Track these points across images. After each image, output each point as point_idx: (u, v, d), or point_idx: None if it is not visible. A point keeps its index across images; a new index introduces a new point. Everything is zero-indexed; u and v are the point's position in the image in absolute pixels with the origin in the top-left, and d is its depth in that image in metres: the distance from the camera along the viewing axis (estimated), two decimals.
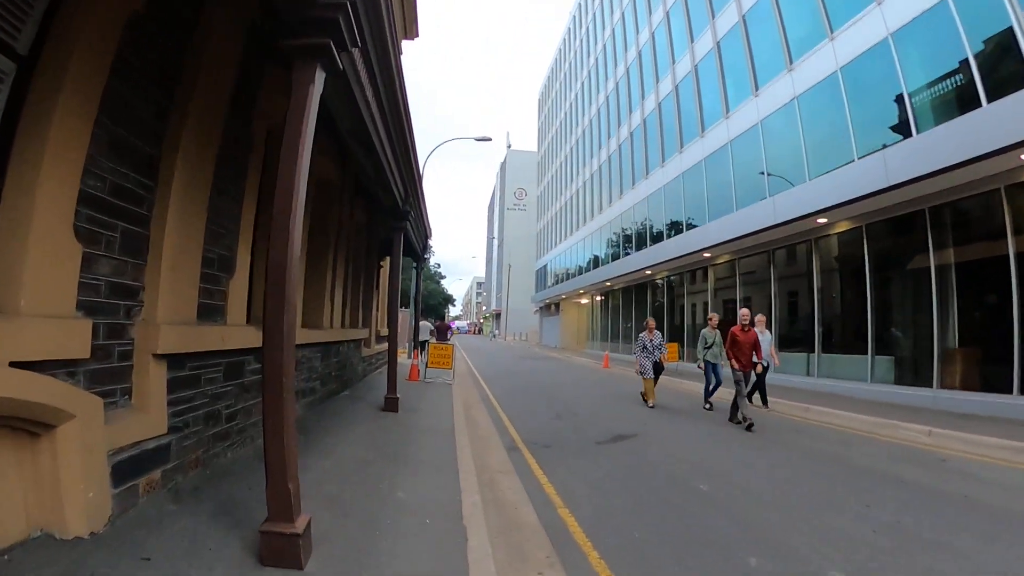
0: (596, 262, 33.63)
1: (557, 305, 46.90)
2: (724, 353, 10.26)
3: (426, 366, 13.47)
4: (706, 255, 19.74)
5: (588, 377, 18.51)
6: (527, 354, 33.53)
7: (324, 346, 9.12)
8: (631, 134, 28.60)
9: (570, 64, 44.37)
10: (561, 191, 45.29)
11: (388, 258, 16.14)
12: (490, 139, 24.20)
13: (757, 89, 17.81)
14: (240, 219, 5.40)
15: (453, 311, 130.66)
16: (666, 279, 24.38)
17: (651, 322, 11.62)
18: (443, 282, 69.45)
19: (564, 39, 47.32)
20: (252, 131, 5.50)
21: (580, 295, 39.46)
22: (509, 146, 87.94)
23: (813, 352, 15.19)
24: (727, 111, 19.51)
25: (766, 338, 10.74)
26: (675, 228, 22.30)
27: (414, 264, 14.78)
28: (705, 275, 21.10)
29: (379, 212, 12.56)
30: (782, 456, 6.93)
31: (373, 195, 9.31)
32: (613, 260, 29.53)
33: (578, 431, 8.47)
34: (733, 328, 9.49)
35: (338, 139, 7.74)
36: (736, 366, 9.23)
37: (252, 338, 5.54)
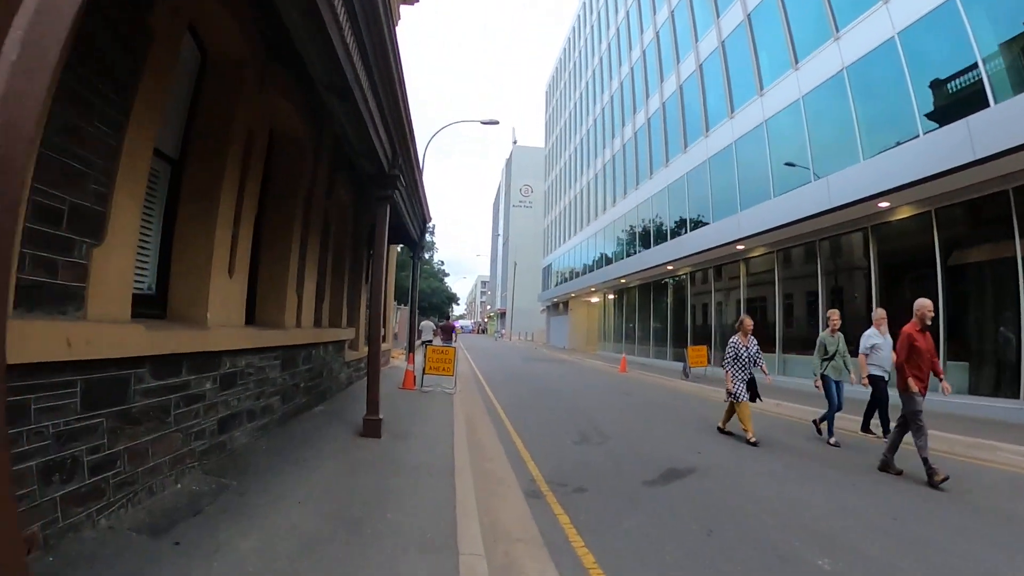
0: (608, 258, 31.61)
1: (565, 304, 44.87)
2: (848, 364, 8.22)
3: (423, 372, 11.51)
4: (739, 247, 17.69)
5: (607, 383, 16.51)
6: (535, 355, 31.54)
7: (286, 351, 7.17)
8: (648, 120, 26.55)
9: (580, 52, 42.34)
10: (570, 185, 43.27)
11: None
12: (497, 122, 22.24)
13: (797, 62, 15.78)
14: (118, 154, 3.46)
15: (457, 310, 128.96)
16: (689, 275, 22.32)
17: (748, 322, 8.31)
18: (447, 280, 67.60)
19: (573, 27, 45.28)
20: None
21: (591, 293, 37.44)
22: (515, 142, 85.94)
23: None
24: (760, 88, 17.47)
25: (887, 342, 8.22)
26: (700, 220, 20.27)
27: (411, 255, 12.79)
28: (736, 270, 19.05)
29: (366, 191, 10.63)
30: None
31: (356, 164, 7.34)
32: (628, 255, 27.50)
33: (615, 462, 6.50)
34: (907, 328, 6.21)
35: (308, 86, 5.85)
36: (915, 387, 6.00)
37: (141, 341, 3.61)
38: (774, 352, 16.48)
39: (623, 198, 29.50)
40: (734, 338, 8.34)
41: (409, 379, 11.66)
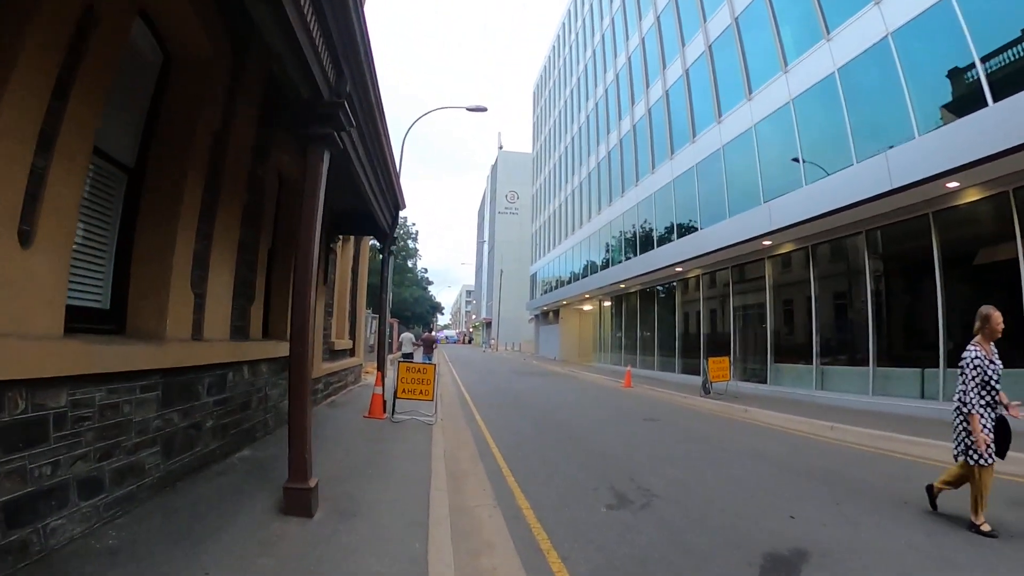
0: (603, 263, 29.28)
1: (556, 312, 42.42)
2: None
3: (395, 396, 8.98)
4: (765, 243, 15.43)
5: (617, 404, 14.07)
6: (526, 368, 29.01)
7: (170, 376, 4.68)
8: (648, 111, 24.38)
9: (570, 48, 40.29)
10: (560, 187, 41.02)
11: (343, 239, 11.66)
12: (485, 109, 19.92)
13: (828, 33, 13.66)
14: None
15: (442, 320, 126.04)
16: (701, 277, 20.02)
17: (996, 317, 4.70)
18: (432, 290, 64.94)
19: (563, 22, 43.28)
20: None
21: (584, 300, 35.07)
22: (501, 147, 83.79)
23: (936, 367, 10.89)
24: (785, 65, 15.33)
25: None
26: (715, 215, 17.99)
27: (379, 247, 10.27)
28: (758, 270, 16.77)
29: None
30: None
31: (291, 100, 4.87)
32: (628, 258, 25.16)
33: (682, 546, 4.06)
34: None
35: None
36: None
37: None
38: (810, 363, 14.19)
39: (620, 197, 27.25)
40: (973, 348, 4.71)
41: (376, 405, 9.12)
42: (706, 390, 15.23)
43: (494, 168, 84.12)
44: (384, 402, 9.25)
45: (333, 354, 11.26)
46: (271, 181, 7.30)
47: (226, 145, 5.58)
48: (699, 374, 18.97)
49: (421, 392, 9.03)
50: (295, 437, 4.32)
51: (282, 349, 7.45)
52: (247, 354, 6.40)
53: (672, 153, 21.76)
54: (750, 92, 16.92)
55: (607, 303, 31.11)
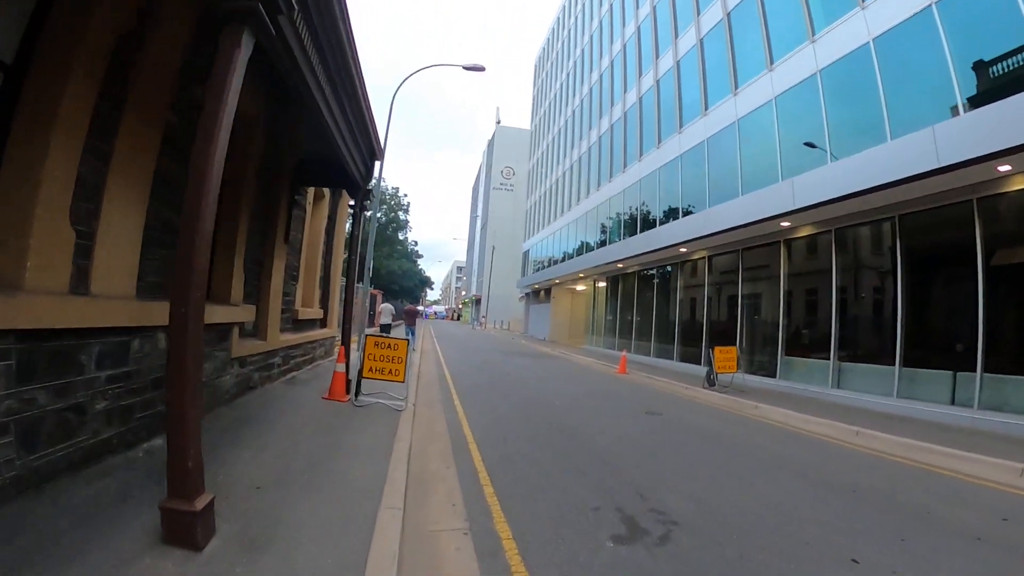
0: (599, 242, 27.93)
1: (547, 291, 41.15)
2: None
3: (359, 375, 7.69)
4: (783, 224, 14.15)
5: (614, 392, 12.89)
6: (515, 348, 27.81)
7: (32, 340, 3.42)
8: (657, 83, 22.85)
9: (576, 18, 38.36)
10: (558, 161, 39.43)
11: (314, 196, 10.21)
12: (483, 68, 18.28)
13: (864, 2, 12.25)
14: None
15: (431, 295, 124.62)
16: (707, 259, 18.73)
17: None
18: (422, 264, 63.43)
19: None
20: None
21: (577, 280, 33.79)
22: (499, 122, 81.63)
23: (972, 371, 9.76)
24: (812, 34, 13.91)
25: None
26: (726, 193, 16.65)
27: (351, 203, 8.80)
28: (773, 254, 15.52)
29: (289, 102, 6.83)
30: None
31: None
32: (628, 236, 23.81)
33: None
34: None
35: None
36: None
37: None
38: (827, 359, 13.07)
39: (622, 172, 25.81)
40: None
41: (338, 384, 7.83)
42: (710, 381, 14.09)
43: (491, 143, 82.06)
44: (348, 381, 7.96)
45: (297, 324, 9.93)
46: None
47: (138, 50, 4.20)
48: (699, 363, 17.87)
49: (391, 372, 7.74)
50: (175, 436, 3.02)
51: (219, 314, 6.11)
52: (163, 318, 5.07)
53: (681, 127, 20.31)
54: (771, 62, 15.50)
55: (602, 284, 29.87)
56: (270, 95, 7.16)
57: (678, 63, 21.11)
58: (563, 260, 34.90)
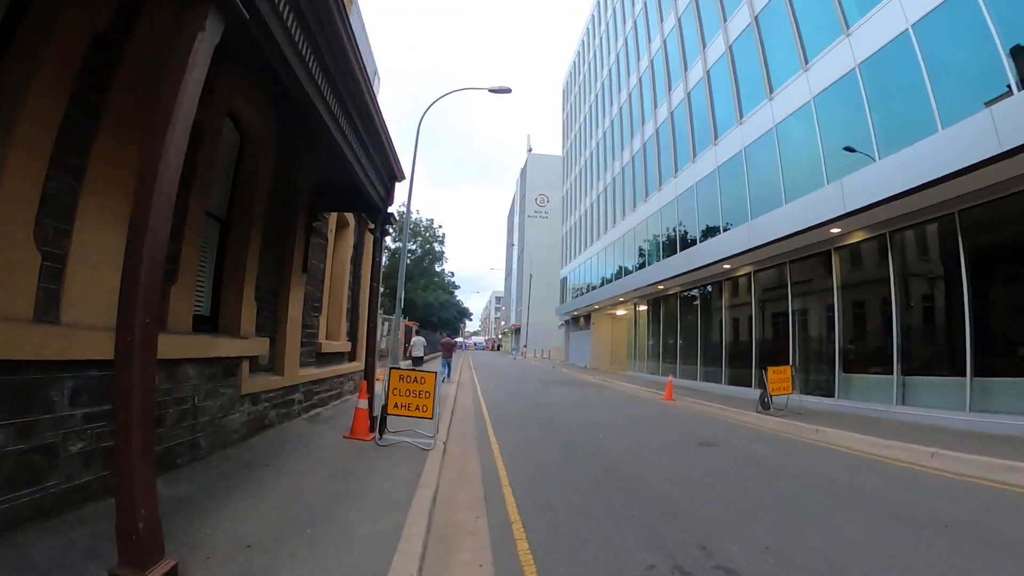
0: (641, 262, 26.98)
1: (587, 318, 40.19)
2: None
3: (383, 412, 7.09)
4: (833, 231, 13.13)
5: (661, 420, 11.96)
6: (555, 377, 26.91)
7: None
8: (688, 95, 22.20)
9: (600, 39, 38.28)
10: (591, 185, 38.89)
11: (337, 225, 9.84)
12: (509, 90, 18.08)
13: None
14: None
15: (470, 326, 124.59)
16: (753, 275, 17.66)
17: None
18: (459, 295, 63.35)
19: (592, 14, 41.33)
20: None
21: (617, 304, 32.78)
22: (530, 150, 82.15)
23: None
24: (846, 27, 13.05)
25: None
26: (768, 203, 15.69)
27: (372, 229, 8.29)
28: (824, 264, 14.43)
29: (299, 120, 6.54)
30: None
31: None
32: (666, 256, 22.87)
33: None
34: None
35: None
36: None
37: None
38: (889, 373, 11.86)
39: (657, 191, 25.03)
40: None
41: (361, 422, 7.25)
42: (765, 405, 12.97)
43: (523, 171, 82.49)
44: (373, 419, 7.38)
45: (321, 358, 9.48)
46: (215, 126, 5.53)
47: (116, 52, 3.85)
48: (749, 386, 16.70)
49: (418, 408, 7.12)
50: (124, 491, 2.46)
51: (223, 347, 5.65)
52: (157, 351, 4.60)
53: (716, 138, 19.52)
54: (806, 62, 14.68)
55: (642, 307, 28.82)
56: (280, 112, 6.85)
57: (708, 73, 20.45)
58: (601, 285, 34.02)
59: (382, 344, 18.63)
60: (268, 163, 6.99)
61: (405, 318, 31.12)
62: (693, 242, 20.57)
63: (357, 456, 6.27)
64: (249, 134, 6.74)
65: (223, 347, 5.66)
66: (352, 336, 11.92)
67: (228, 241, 6.48)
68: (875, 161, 11.70)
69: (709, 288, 20.90)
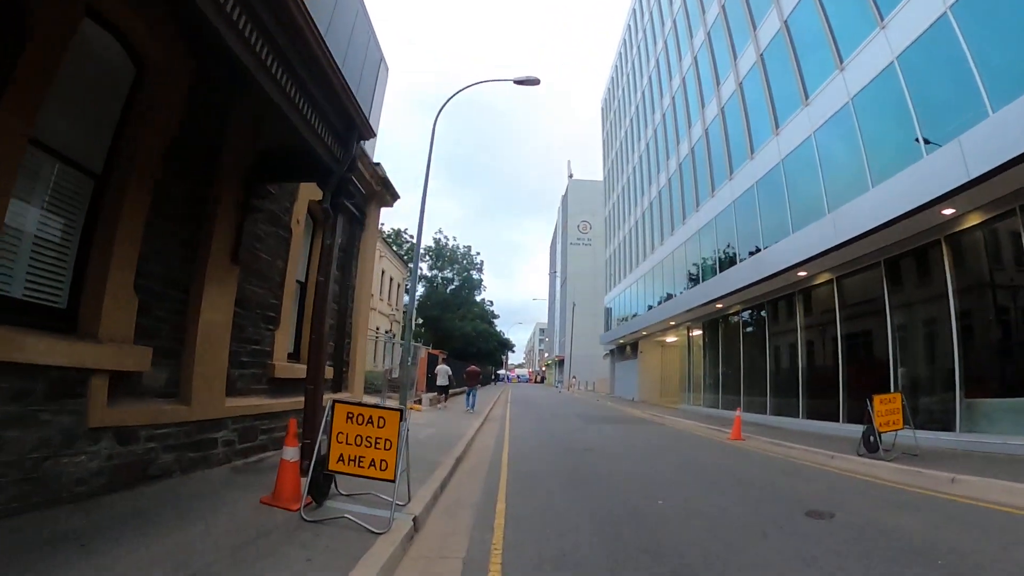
0: (694, 280, 23.87)
1: (634, 347, 36.92)
2: None
3: (318, 467, 4.66)
4: (946, 212, 10.16)
5: (735, 471, 9.12)
6: (599, 412, 23.93)
7: None
8: (740, 85, 19.56)
9: (638, 48, 36.16)
10: (635, 202, 36.17)
11: (312, 210, 7.65)
12: (537, 81, 15.99)
13: None
14: None
15: (513, 358, 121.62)
16: (835, 282, 14.52)
17: None
18: (500, 326, 61.06)
19: (628, 24, 39.41)
20: None
21: (667, 329, 29.61)
22: (571, 176, 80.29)
23: None
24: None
25: None
26: (848, 190, 12.75)
27: (328, 211, 5.89)
28: (934, 260, 11.35)
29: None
30: None
31: None
32: (726, 268, 19.81)
33: None
34: None
35: None
36: None
37: None
38: None
39: (710, 198, 22.19)
40: None
41: (287, 482, 4.83)
42: (870, 445, 9.92)
43: (564, 198, 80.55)
44: (310, 478, 4.91)
45: (276, 384, 7.19)
46: (56, 17, 3.50)
47: None
48: (834, 419, 13.59)
49: (374, 465, 4.67)
50: None
51: (38, 350, 3.50)
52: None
53: (777, 127, 16.76)
54: (881, 18, 12.01)
55: (696, 332, 25.67)
56: (192, 45, 4.80)
57: (761, 57, 17.83)
58: (649, 309, 30.93)
59: (392, 373, 16.31)
60: (172, 106, 4.93)
61: (422, 344, 28.97)
62: (755, 251, 17.58)
63: (252, 541, 3.85)
64: (148, 65, 4.73)
65: (39, 350, 3.47)
66: (339, 360, 9.67)
67: (103, 206, 4.40)
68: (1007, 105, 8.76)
69: (778, 303, 17.77)
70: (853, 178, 12.73)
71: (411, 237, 49.29)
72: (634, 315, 34.35)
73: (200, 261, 5.46)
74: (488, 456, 9.60)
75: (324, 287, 5.74)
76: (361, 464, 4.77)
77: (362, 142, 6.57)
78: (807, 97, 15.15)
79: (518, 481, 7.34)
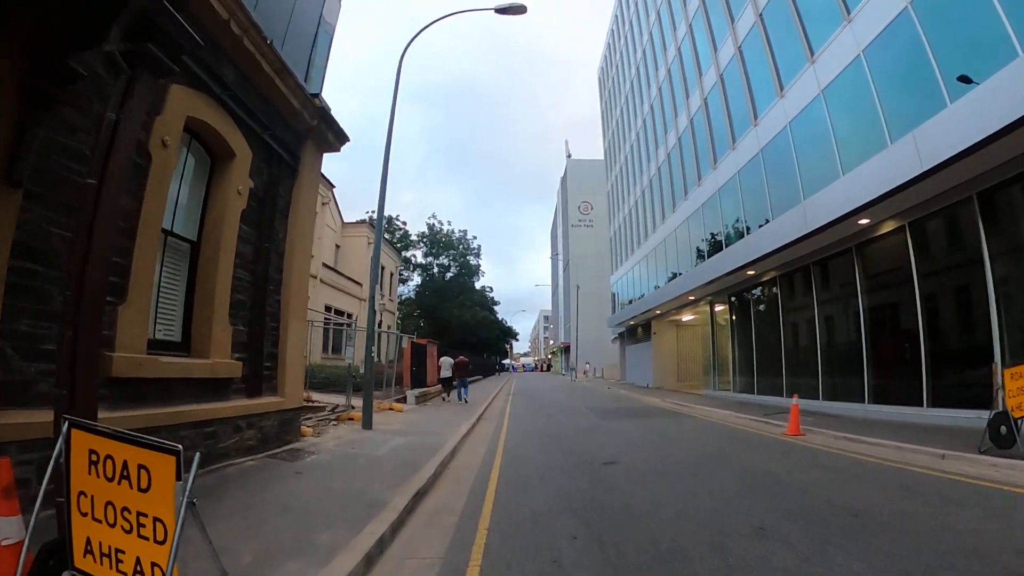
0: (717, 245, 20.86)
1: (646, 327, 33.95)
2: None
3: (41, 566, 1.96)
4: None
5: (835, 491, 6.35)
6: (613, 403, 21.13)
7: None
8: (760, 14, 16.57)
9: (634, 11, 33.01)
10: (641, 169, 33.16)
11: (220, 146, 4.89)
12: (524, 9, 13.07)
13: None
14: None
15: (518, 347, 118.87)
16: (907, 230, 11.57)
17: None
18: (510, 318, 58.29)
19: None
20: None
21: (685, 305, 26.70)
22: (569, 155, 77.07)
23: None
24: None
25: None
26: (917, 111, 9.82)
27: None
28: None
29: None
30: None
31: None
32: (762, 225, 16.76)
33: None
34: None
35: None
36: None
37: None
38: None
39: (731, 150, 19.20)
40: None
41: None
42: (1001, 440, 7.19)
43: (564, 180, 77.43)
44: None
45: (131, 387, 4.44)
46: None
47: None
48: (916, 403, 10.85)
49: (139, 570, 1.96)
50: None
51: None
52: None
53: (812, 54, 13.81)
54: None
55: (720, 306, 22.81)
56: None
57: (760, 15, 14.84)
58: (666, 283, 27.90)
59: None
60: None
61: (415, 334, 26.26)
62: (797, 199, 14.59)
63: None
64: None
65: None
66: (253, 349, 6.91)
67: None
68: None
69: (827, 264, 14.83)
70: (927, 88, 9.81)
71: (403, 224, 46.56)
72: (647, 293, 31.42)
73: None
74: (468, 483, 6.77)
75: (92, 205, 2.97)
76: (121, 565, 2.10)
77: None
78: (848, 12, 12.20)
79: (506, 540, 4.50)
